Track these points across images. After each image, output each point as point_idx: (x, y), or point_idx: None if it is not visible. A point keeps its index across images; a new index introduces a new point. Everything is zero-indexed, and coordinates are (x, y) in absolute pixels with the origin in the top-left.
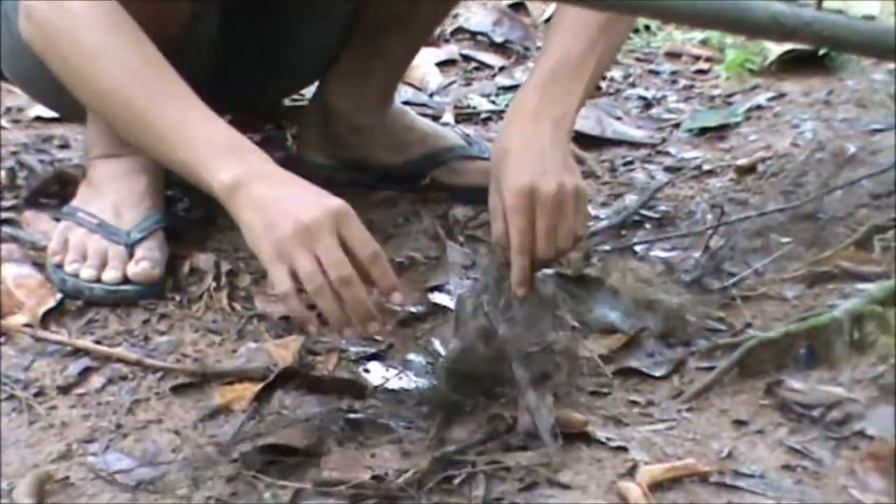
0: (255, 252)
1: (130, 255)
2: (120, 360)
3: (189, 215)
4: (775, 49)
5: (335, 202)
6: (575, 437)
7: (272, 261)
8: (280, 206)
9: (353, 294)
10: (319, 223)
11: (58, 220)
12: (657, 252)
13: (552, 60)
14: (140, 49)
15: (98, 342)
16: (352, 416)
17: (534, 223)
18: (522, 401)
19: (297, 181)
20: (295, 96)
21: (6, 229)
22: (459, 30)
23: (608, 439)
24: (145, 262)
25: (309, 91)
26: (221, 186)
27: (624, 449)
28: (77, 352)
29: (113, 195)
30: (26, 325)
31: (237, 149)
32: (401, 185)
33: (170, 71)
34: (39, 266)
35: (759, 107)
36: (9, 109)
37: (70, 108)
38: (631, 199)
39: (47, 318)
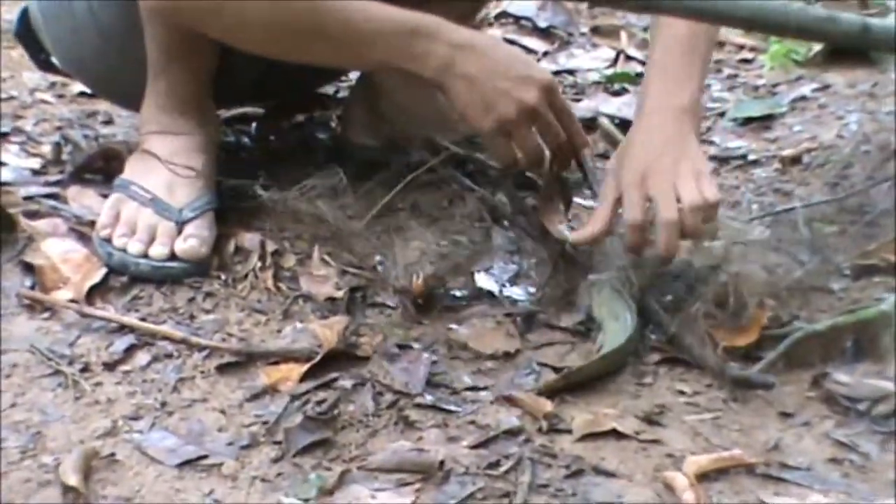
0: (474, 126)
1: (179, 233)
2: (165, 337)
3: (235, 194)
4: None
5: (543, 77)
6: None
7: (495, 136)
8: (496, 86)
9: (564, 149)
10: (538, 100)
11: (104, 195)
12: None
13: (664, 51)
14: None
15: (143, 319)
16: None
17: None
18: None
19: (499, 46)
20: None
21: (51, 204)
22: (503, 14)
23: (653, 429)
24: (193, 240)
25: (352, 75)
26: (432, 70)
27: (669, 439)
28: (122, 328)
29: (167, 172)
30: (71, 301)
31: (431, 29)
32: (446, 167)
33: None
34: (84, 241)
35: (803, 97)
36: (53, 84)
37: (127, 95)
38: None
39: (92, 294)
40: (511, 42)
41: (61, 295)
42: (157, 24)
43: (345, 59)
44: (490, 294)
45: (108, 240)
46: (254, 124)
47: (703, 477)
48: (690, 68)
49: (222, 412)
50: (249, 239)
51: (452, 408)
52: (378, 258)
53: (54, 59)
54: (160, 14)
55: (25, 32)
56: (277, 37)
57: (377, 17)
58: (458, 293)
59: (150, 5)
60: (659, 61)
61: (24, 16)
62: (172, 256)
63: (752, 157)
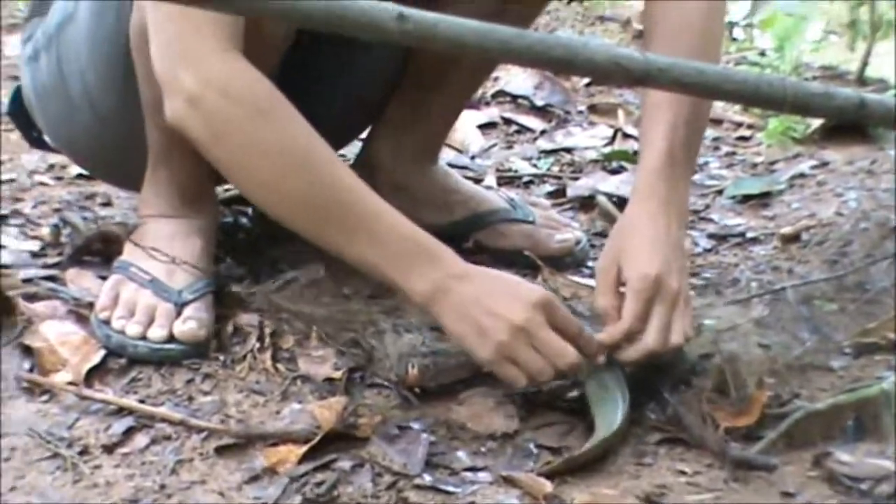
0: (473, 356)
1: (178, 314)
2: (164, 419)
3: (232, 274)
4: None
5: (536, 293)
6: None
7: (496, 363)
8: (487, 310)
9: (573, 367)
10: (532, 320)
11: (103, 277)
12: (703, 319)
13: (666, 142)
14: (315, 143)
15: (142, 401)
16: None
17: (648, 314)
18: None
19: (492, 275)
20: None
21: (50, 286)
22: (500, 93)
23: None
24: (193, 322)
25: (350, 151)
26: (418, 294)
27: None
28: (121, 411)
29: (164, 259)
30: (70, 383)
31: (428, 252)
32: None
33: (345, 166)
34: (83, 323)
35: (801, 175)
36: (52, 166)
37: (123, 176)
38: None
39: (91, 376)
40: (509, 121)
41: (60, 377)
42: (161, 116)
43: (349, 251)
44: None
45: (107, 322)
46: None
47: None
48: (689, 164)
49: (221, 494)
50: (248, 320)
51: (452, 489)
52: (373, 343)
53: (46, 138)
54: (181, 131)
55: (18, 110)
56: (290, 205)
57: (390, 223)
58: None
59: (177, 124)
60: (650, 146)
61: (18, 94)
62: (171, 338)
63: (750, 234)
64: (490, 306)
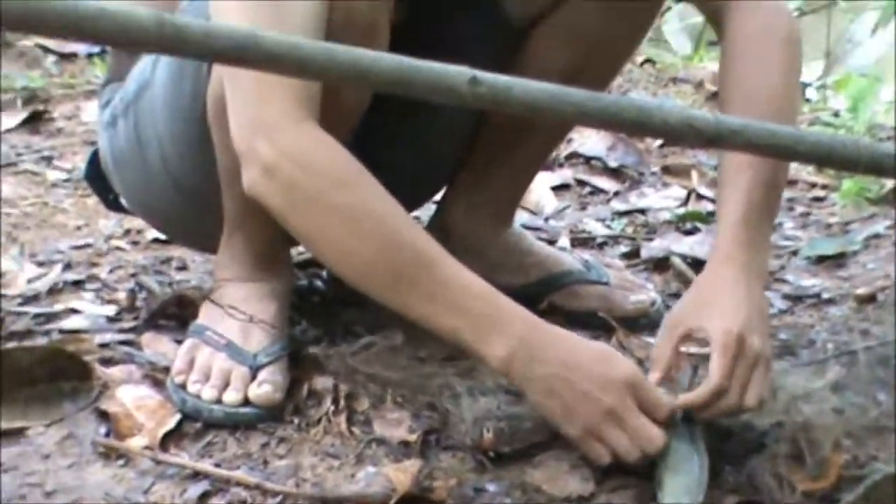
0: (561, 431)
1: (253, 378)
2: (239, 483)
3: (306, 337)
4: None
5: (625, 370)
6: None
7: (584, 441)
8: (575, 389)
9: (660, 450)
10: (622, 403)
11: (178, 341)
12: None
13: (744, 205)
14: (391, 209)
15: (217, 465)
16: None
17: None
18: None
19: (575, 346)
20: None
21: (126, 350)
22: (574, 154)
23: None
24: (268, 386)
25: (425, 214)
26: (497, 358)
27: None
28: (196, 475)
29: (241, 318)
30: (146, 448)
31: (506, 317)
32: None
33: (421, 230)
34: (158, 387)
35: (876, 235)
36: (128, 231)
37: (199, 240)
38: None
39: (167, 441)
40: (582, 182)
41: (136, 442)
42: (238, 184)
43: (426, 317)
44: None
45: (183, 386)
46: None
47: None
48: (767, 224)
49: None
50: (322, 382)
51: None
52: (448, 406)
53: (123, 201)
54: (259, 201)
55: (95, 175)
56: (367, 271)
57: (467, 287)
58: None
59: (254, 193)
60: (728, 209)
61: (94, 158)
62: (246, 402)
63: (826, 295)
64: (579, 385)
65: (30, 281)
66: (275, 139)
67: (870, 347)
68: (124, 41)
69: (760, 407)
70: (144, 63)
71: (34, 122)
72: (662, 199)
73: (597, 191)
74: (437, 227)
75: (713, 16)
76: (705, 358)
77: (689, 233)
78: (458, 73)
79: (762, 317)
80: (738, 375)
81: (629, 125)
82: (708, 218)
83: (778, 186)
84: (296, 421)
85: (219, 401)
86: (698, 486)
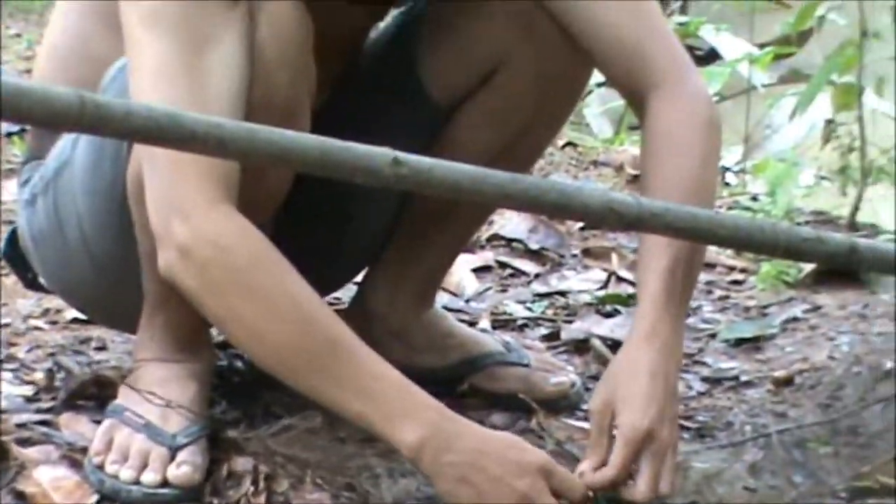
0: None
1: (172, 459)
2: None
3: (227, 418)
4: None
5: (536, 457)
6: None
7: None
8: (488, 475)
9: None
10: (534, 487)
11: (97, 421)
12: (695, 462)
13: (663, 286)
14: (304, 295)
15: None
16: None
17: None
18: None
19: (486, 435)
20: (330, 301)
21: (43, 431)
22: (495, 236)
23: None
24: (187, 467)
25: (346, 294)
26: (407, 447)
27: None
28: None
29: (159, 403)
30: None
31: (418, 405)
32: (438, 391)
33: (334, 316)
34: (77, 468)
35: (794, 319)
36: (46, 311)
37: (118, 319)
38: None
39: None
40: (503, 264)
41: None
42: (157, 263)
43: (337, 403)
44: None
45: (101, 466)
46: None
47: None
48: (679, 298)
49: None
50: (242, 463)
51: None
52: (368, 487)
53: (42, 280)
54: (173, 282)
55: (13, 253)
56: (279, 356)
57: (378, 375)
58: None
59: (169, 275)
60: (647, 290)
61: (13, 236)
62: (165, 483)
63: (743, 378)
64: (492, 470)
65: None
66: (190, 220)
67: (786, 430)
68: (46, 119)
69: (673, 490)
70: (64, 142)
71: None
72: (583, 282)
73: (518, 273)
74: (358, 308)
75: (634, 100)
76: None
77: (608, 315)
78: (380, 154)
79: (674, 402)
80: (649, 467)
81: (550, 208)
82: (628, 300)
83: (695, 269)
84: (215, 502)
85: (137, 482)
86: None
